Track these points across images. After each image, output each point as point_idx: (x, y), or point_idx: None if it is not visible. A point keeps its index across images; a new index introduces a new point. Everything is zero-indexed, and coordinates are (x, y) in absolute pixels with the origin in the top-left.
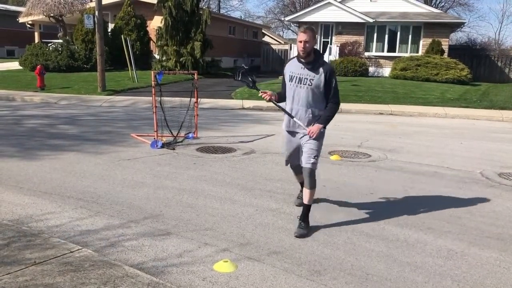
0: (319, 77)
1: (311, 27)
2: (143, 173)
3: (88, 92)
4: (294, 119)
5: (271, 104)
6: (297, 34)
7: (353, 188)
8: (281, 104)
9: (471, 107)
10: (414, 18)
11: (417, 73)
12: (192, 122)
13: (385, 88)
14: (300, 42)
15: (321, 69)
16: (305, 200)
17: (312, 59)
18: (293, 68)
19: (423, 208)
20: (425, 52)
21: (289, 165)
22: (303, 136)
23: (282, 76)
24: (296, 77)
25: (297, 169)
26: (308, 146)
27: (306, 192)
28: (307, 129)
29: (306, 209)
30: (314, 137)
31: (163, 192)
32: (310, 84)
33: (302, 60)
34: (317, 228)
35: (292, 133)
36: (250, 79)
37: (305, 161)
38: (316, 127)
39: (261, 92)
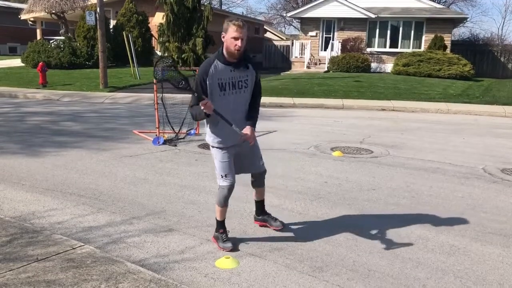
0: (252, 75)
1: (243, 21)
2: (145, 169)
3: (90, 89)
4: (233, 126)
5: (273, 100)
6: (299, 30)
7: (355, 184)
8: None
9: (474, 103)
10: (417, 13)
11: (420, 69)
12: None
13: (387, 84)
14: (236, 39)
15: (249, 65)
16: (263, 197)
17: (241, 57)
18: (221, 74)
19: (425, 204)
20: (428, 47)
21: (227, 195)
22: (237, 145)
23: (200, 87)
24: (228, 83)
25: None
26: (253, 150)
27: (263, 190)
28: (243, 135)
29: (263, 202)
30: (254, 143)
31: (165, 188)
32: (246, 85)
33: (230, 61)
34: (319, 224)
35: (233, 147)
36: (180, 77)
37: (259, 166)
38: (251, 132)
39: (205, 102)
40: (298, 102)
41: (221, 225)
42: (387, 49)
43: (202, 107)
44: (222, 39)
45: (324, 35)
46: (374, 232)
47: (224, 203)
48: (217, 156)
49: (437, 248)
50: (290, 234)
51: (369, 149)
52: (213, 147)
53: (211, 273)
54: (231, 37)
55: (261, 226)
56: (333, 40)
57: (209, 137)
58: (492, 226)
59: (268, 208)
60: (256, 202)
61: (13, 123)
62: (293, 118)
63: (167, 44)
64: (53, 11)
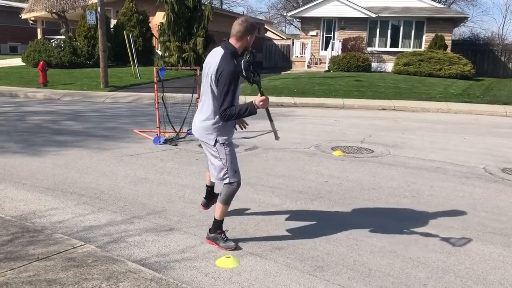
0: None
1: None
2: (146, 169)
3: (90, 88)
4: (272, 123)
5: (274, 99)
6: (299, 29)
7: (356, 183)
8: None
9: (474, 102)
10: (417, 12)
11: (420, 68)
12: None
13: (388, 83)
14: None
15: None
16: None
17: None
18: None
19: (426, 204)
20: (428, 47)
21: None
22: None
23: (236, 86)
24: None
25: None
26: None
27: None
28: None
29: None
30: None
31: (165, 188)
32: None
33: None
34: (319, 224)
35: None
36: (252, 73)
37: None
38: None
39: (263, 98)
40: (298, 102)
41: (220, 225)
42: (388, 49)
43: (261, 103)
44: (246, 39)
45: (325, 35)
46: (374, 231)
47: (229, 201)
48: (228, 152)
49: (437, 247)
50: (291, 233)
51: (369, 149)
52: (224, 144)
53: (212, 273)
54: (253, 38)
55: (204, 209)
56: (333, 39)
57: (222, 136)
58: (492, 226)
59: (268, 207)
60: (210, 186)
61: (14, 123)
62: (294, 118)
63: (167, 43)
64: (54, 11)
